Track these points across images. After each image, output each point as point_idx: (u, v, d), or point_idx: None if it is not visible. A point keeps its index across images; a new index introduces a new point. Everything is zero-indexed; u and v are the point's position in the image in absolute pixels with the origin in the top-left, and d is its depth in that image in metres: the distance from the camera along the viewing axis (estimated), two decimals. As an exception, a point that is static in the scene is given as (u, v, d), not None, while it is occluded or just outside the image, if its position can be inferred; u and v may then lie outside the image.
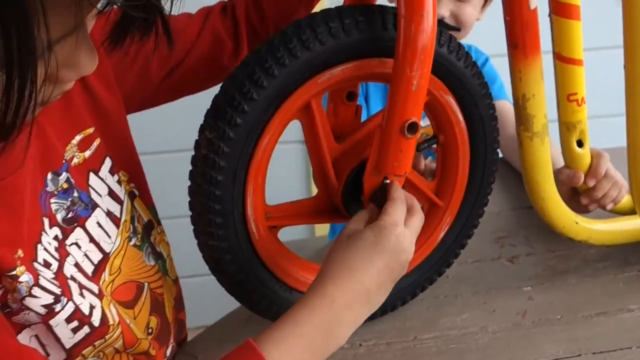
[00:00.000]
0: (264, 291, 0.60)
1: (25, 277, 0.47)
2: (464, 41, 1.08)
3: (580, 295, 0.71)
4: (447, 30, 0.92)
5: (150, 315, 0.62)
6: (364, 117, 0.65)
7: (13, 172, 0.48)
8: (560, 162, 0.77)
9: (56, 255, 0.51)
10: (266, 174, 0.57)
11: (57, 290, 0.49)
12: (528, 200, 0.71)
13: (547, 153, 0.67)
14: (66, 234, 0.53)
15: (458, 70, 0.60)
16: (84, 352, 0.53)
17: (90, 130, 0.57)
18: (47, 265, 0.50)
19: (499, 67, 1.07)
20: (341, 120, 0.64)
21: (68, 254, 0.53)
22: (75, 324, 0.51)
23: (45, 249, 0.51)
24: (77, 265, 0.54)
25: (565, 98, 0.70)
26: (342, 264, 0.50)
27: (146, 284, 0.61)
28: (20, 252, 0.47)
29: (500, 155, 0.95)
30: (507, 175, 0.94)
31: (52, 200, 0.53)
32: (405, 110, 0.53)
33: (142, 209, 0.63)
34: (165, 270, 0.65)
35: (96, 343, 0.53)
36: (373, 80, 0.60)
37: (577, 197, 0.78)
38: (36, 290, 0.48)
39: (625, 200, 0.78)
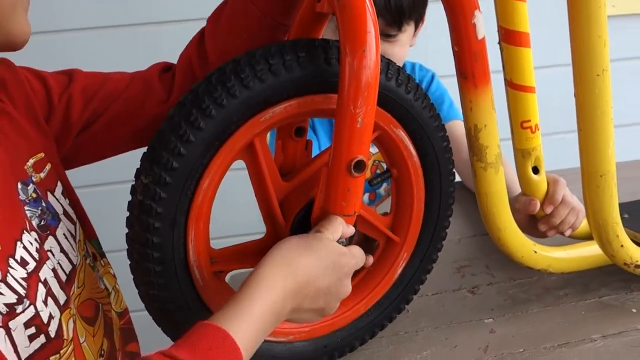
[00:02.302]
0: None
1: None
2: (408, 59, 1.08)
3: (541, 325, 0.70)
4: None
5: (103, 337, 0.62)
6: (314, 152, 0.63)
7: None
8: (519, 188, 0.76)
9: (36, 256, 0.52)
10: (209, 217, 0.54)
11: (22, 292, 0.49)
12: (487, 228, 0.69)
13: (502, 183, 0.65)
14: (42, 240, 0.54)
15: (408, 103, 0.58)
16: None
17: (41, 155, 0.58)
18: (23, 263, 0.51)
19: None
20: (291, 155, 0.62)
21: (48, 258, 0.54)
22: (32, 330, 0.50)
23: (25, 247, 0.51)
24: (54, 270, 0.54)
25: (519, 125, 0.69)
26: (286, 255, 0.50)
27: (100, 305, 0.62)
28: None
29: (458, 179, 0.94)
30: (466, 201, 0.92)
31: (25, 208, 0.54)
32: (351, 149, 0.51)
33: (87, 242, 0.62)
34: (109, 303, 0.64)
35: (51, 358, 0.52)
36: (319, 116, 0.58)
37: (535, 223, 0.77)
38: (1, 287, 0.48)
39: (583, 225, 0.77)
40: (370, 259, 0.66)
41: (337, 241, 0.52)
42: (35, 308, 0.50)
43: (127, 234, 0.52)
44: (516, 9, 0.64)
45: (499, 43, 0.67)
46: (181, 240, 0.53)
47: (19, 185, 0.54)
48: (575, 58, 0.59)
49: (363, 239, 0.67)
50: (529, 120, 0.69)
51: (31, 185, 0.56)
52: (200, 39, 0.64)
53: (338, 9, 0.50)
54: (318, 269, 0.50)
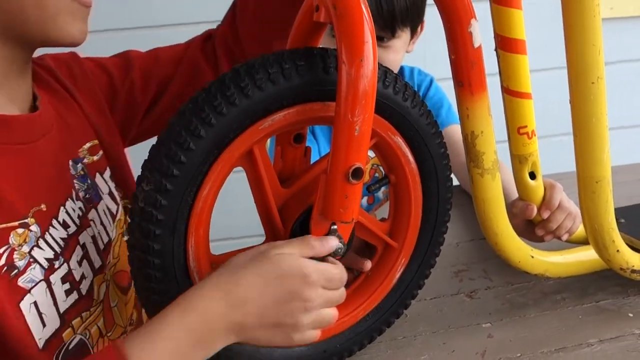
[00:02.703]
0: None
1: (35, 228, 0.54)
2: (406, 63, 1.08)
3: (539, 330, 0.70)
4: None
5: (133, 308, 0.68)
6: (313, 156, 0.64)
7: (43, 135, 0.59)
8: (517, 193, 0.77)
9: (77, 222, 0.60)
10: (209, 223, 0.55)
11: (58, 249, 0.56)
12: (485, 232, 0.70)
13: (498, 189, 0.66)
14: (87, 210, 0.62)
15: (405, 111, 0.59)
16: (73, 322, 0.57)
17: (96, 142, 0.67)
18: (65, 225, 0.58)
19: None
20: (290, 162, 0.63)
21: (89, 226, 0.62)
22: (67, 286, 0.57)
23: (68, 213, 0.59)
24: (93, 237, 0.62)
25: (516, 131, 0.70)
26: (223, 273, 0.50)
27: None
28: (43, 206, 0.56)
29: (456, 182, 0.95)
30: (464, 205, 0.93)
31: (74, 181, 0.62)
32: (349, 156, 0.51)
33: None
34: None
35: (83, 315, 0.59)
36: (317, 123, 0.58)
37: (533, 227, 0.78)
38: (42, 242, 0.55)
39: (580, 229, 0.78)
40: (369, 264, 0.66)
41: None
42: (69, 266, 0.57)
43: (128, 241, 0.53)
44: (512, 17, 0.65)
45: (496, 50, 0.68)
46: (181, 247, 0.53)
47: (70, 162, 0.63)
48: (570, 66, 0.59)
49: (362, 245, 0.68)
50: (526, 126, 0.69)
51: (80, 164, 0.64)
52: (233, 19, 0.69)
53: (336, 18, 0.50)
54: (258, 285, 0.49)
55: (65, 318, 0.56)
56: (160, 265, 0.52)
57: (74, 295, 0.57)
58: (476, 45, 0.60)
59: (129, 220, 0.53)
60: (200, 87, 0.58)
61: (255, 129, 0.53)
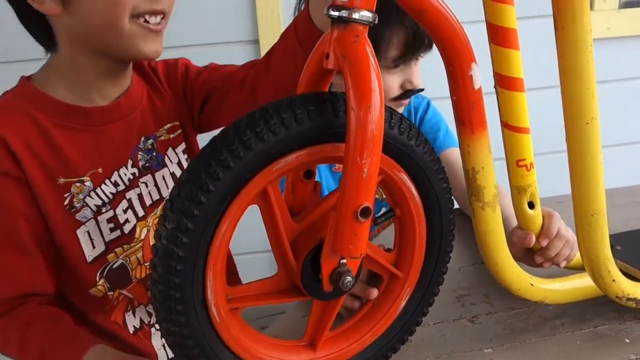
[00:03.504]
0: (227, 374, 0.61)
1: (88, 184, 0.78)
2: None
3: (539, 355, 0.73)
4: (418, 93, 0.97)
5: None
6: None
7: (117, 119, 0.81)
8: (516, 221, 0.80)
9: (127, 183, 0.82)
10: (225, 258, 0.58)
11: (106, 200, 0.80)
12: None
13: (498, 221, 0.69)
14: (141, 175, 0.84)
15: (410, 149, 0.62)
16: (116, 250, 0.81)
17: (177, 122, 0.88)
18: (115, 184, 0.81)
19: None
20: (300, 196, 0.66)
21: (137, 186, 0.83)
22: (112, 225, 0.81)
23: (120, 176, 0.81)
24: (139, 195, 0.83)
25: (515, 164, 0.73)
26: None
27: None
28: (100, 169, 0.79)
29: (457, 206, 0.98)
30: (466, 230, 0.96)
31: (139, 153, 0.83)
32: (358, 197, 0.54)
33: None
34: None
35: (124, 246, 0.82)
36: (327, 162, 0.62)
37: (532, 254, 0.81)
38: (92, 194, 0.79)
39: (578, 256, 0.81)
40: (375, 293, 0.70)
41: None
42: (115, 213, 0.81)
43: (150, 276, 0.56)
44: (510, 57, 0.68)
45: (495, 87, 0.71)
46: (200, 281, 0.56)
47: (142, 138, 0.83)
48: (565, 107, 0.63)
49: (369, 274, 0.72)
50: (524, 159, 0.73)
51: (151, 140, 0.85)
52: (268, 61, 0.83)
53: (345, 67, 0.54)
54: None
55: (109, 246, 0.81)
56: (180, 299, 0.55)
57: (117, 232, 0.81)
58: (476, 87, 0.63)
59: (152, 259, 0.56)
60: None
61: (269, 170, 0.56)
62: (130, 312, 0.88)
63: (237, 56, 1.58)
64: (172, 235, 0.54)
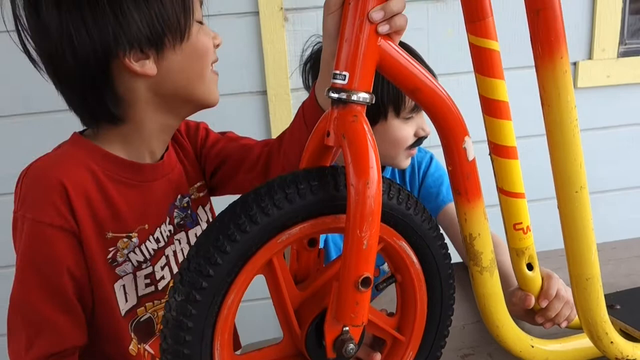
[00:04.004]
0: None
1: (135, 240, 0.80)
2: None
3: (542, 417, 0.74)
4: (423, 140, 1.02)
5: None
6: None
7: (161, 177, 0.84)
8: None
9: (166, 239, 0.85)
10: (233, 327, 0.61)
11: (148, 256, 0.82)
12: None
13: (497, 285, 0.72)
14: (176, 232, 0.86)
15: (408, 218, 0.65)
16: (146, 304, 0.83)
17: (202, 182, 0.92)
18: (157, 241, 0.83)
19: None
20: (304, 264, 0.68)
21: (173, 243, 0.86)
22: (148, 281, 0.83)
23: (161, 232, 0.84)
24: (174, 252, 0.86)
25: (512, 227, 0.76)
26: None
27: None
28: (146, 226, 0.81)
29: (459, 259, 1.00)
30: (469, 285, 0.98)
31: (175, 211, 0.87)
32: (359, 267, 0.57)
33: None
34: None
35: (155, 302, 0.84)
36: (329, 232, 0.65)
37: (533, 313, 0.83)
38: (137, 250, 0.81)
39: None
40: (378, 357, 0.71)
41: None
42: (153, 269, 0.83)
43: (160, 346, 0.59)
44: (503, 127, 0.72)
45: (490, 155, 0.75)
46: (208, 351, 0.59)
47: (179, 196, 0.87)
48: (556, 177, 0.66)
49: (373, 338, 0.73)
50: (521, 223, 0.76)
51: (187, 198, 0.88)
52: (280, 142, 0.86)
53: (345, 145, 0.58)
54: None
55: (141, 300, 0.83)
56: (189, 368, 0.58)
57: (151, 288, 0.83)
58: (470, 159, 0.67)
59: (162, 329, 0.59)
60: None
61: (274, 242, 0.59)
62: None
63: (246, 107, 1.66)
64: (182, 307, 0.57)
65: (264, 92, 1.60)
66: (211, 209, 0.94)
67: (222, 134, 0.96)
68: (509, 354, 0.83)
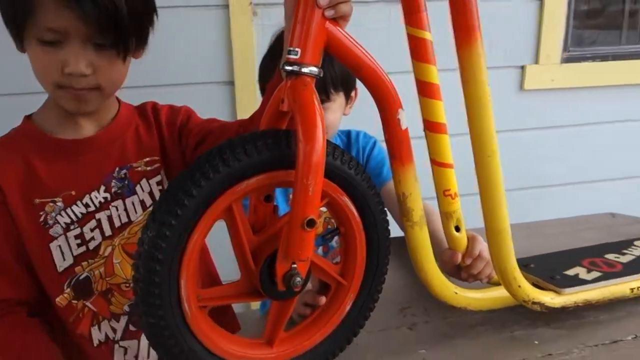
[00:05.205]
0: (195, 360, 0.72)
1: (59, 204, 0.92)
2: (354, 128, 1.28)
3: (463, 354, 0.86)
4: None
5: None
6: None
7: (97, 149, 0.95)
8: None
9: (98, 205, 0.95)
10: (197, 262, 0.71)
11: (75, 219, 0.93)
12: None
13: (426, 238, 0.83)
14: (113, 200, 0.96)
15: (350, 177, 0.76)
16: (82, 263, 0.95)
17: (157, 157, 1.00)
18: (86, 206, 0.94)
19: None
20: (261, 217, 0.79)
21: (108, 209, 0.95)
22: (79, 241, 0.94)
23: (91, 198, 0.94)
24: (109, 217, 0.96)
25: (442, 193, 0.88)
26: None
27: None
28: (73, 192, 0.93)
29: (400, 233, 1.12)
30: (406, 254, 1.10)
31: (113, 181, 0.96)
32: (305, 210, 0.68)
33: None
34: None
35: (89, 260, 0.95)
36: (281, 186, 0.75)
37: (461, 269, 0.95)
38: (63, 213, 0.92)
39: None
40: (324, 299, 0.82)
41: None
42: (82, 230, 0.94)
43: (133, 276, 0.68)
44: (435, 106, 0.84)
45: (424, 130, 0.87)
46: (175, 281, 0.69)
47: (117, 168, 0.96)
48: (473, 145, 0.78)
49: (319, 285, 0.85)
50: (449, 189, 0.88)
51: (124, 170, 0.96)
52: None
53: (296, 109, 0.69)
54: None
55: (77, 259, 0.94)
56: (159, 294, 0.68)
57: (83, 248, 0.94)
58: (403, 127, 0.78)
59: (135, 261, 0.68)
60: None
61: (234, 190, 0.70)
62: (96, 326, 0.98)
63: (213, 96, 1.75)
64: (153, 242, 0.67)
65: (231, 83, 1.70)
66: (161, 183, 1.00)
67: (206, 119, 1.05)
68: (441, 307, 0.95)
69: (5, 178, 0.90)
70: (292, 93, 0.70)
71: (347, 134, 1.29)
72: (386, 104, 0.77)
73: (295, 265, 0.71)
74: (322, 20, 0.71)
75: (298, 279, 0.71)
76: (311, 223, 0.69)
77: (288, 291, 0.73)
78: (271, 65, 1.17)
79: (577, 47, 2.08)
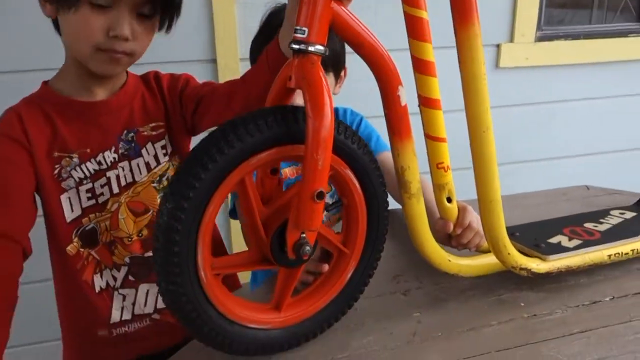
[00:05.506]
0: (211, 325, 0.76)
1: (75, 160, 0.99)
2: (341, 105, 1.33)
3: (455, 316, 0.93)
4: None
5: (145, 226, 1.06)
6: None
7: (109, 112, 1.02)
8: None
9: (109, 164, 1.02)
10: (212, 234, 0.75)
11: (88, 174, 1.00)
12: (415, 245, 0.92)
13: (422, 209, 0.89)
14: (120, 160, 1.03)
15: (353, 151, 0.81)
16: (90, 215, 1.01)
17: (161, 122, 1.07)
18: (99, 163, 1.01)
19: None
20: (267, 189, 0.83)
21: (116, 168, 1.03)
22: (89, 195, 1.01)
23: (104, 157, 1.02)
24: (117, 176, 1.03)
25: (435, 166, 0.93)
26: None
27: (152, 210, 1.06)
28: (88, 150, 1.00)
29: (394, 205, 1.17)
30: (401, 225, 1.15)
31: (121, 143, 1.03)
32: (315, 183, 0.72)
33: None
34: None
35: (97, 213, 1.02)
36: (290, 160, 0.80)
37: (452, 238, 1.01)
38: (78, 168, 0.99)
39: (486, 243, 1.01)
40: (326, 267, 0.87)
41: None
42: (93, 185, 1.01)
43: (154, 246, 0.72)
44: (430, 82, 0.88)
45: (419, 106, 0.91)
46: (192, 249, 0.73)
47: (125, 131, 1.03)
48: (468, 120, 0.83)
49: (322, 254, 0.89)
50: (442, 162, 0.93)
51: (132, 133, 1.04)
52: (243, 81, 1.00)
53: (304, 86, 0.73)
54: None
55: (85, 211, 1.01)
56: (177, 263, 0.71)
57: (93, 201, 1.01)
58: (403, 104, 0.83)
59: (155, 231, 0.72)
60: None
61: (247, 164, 0.73)
62: (98, 274, 1.05)
63: (195, 74, 1.76)
64: (172, 213, 0.70)
65: (213, 61, 1.72)
66: (165, 147, 1.08)
67: (202, 83, 1.12)
68: (432, 274, 1.01)
69: (35, 132, 0.96)
70: (300, 71, 0.74)
71: (335, 111, 1.33)
72: (387, 81, 0.81)
73: (304, 235, 0.75)
74: (328, 0, 0.75)
75: (307, 247, 0.75)
76: (321, 195, 0.73)
77: (297, 259, 0.77)
78: (264, 42, 1.20)
79: (549, 26, 2.15)
